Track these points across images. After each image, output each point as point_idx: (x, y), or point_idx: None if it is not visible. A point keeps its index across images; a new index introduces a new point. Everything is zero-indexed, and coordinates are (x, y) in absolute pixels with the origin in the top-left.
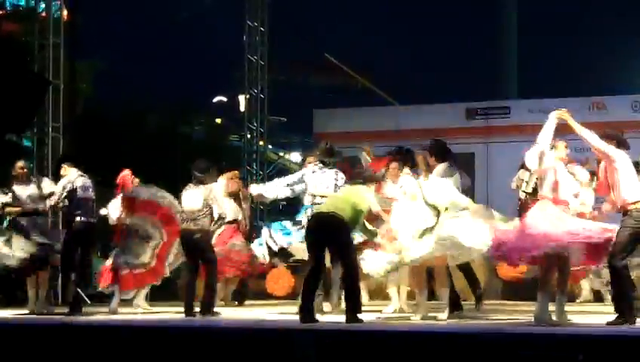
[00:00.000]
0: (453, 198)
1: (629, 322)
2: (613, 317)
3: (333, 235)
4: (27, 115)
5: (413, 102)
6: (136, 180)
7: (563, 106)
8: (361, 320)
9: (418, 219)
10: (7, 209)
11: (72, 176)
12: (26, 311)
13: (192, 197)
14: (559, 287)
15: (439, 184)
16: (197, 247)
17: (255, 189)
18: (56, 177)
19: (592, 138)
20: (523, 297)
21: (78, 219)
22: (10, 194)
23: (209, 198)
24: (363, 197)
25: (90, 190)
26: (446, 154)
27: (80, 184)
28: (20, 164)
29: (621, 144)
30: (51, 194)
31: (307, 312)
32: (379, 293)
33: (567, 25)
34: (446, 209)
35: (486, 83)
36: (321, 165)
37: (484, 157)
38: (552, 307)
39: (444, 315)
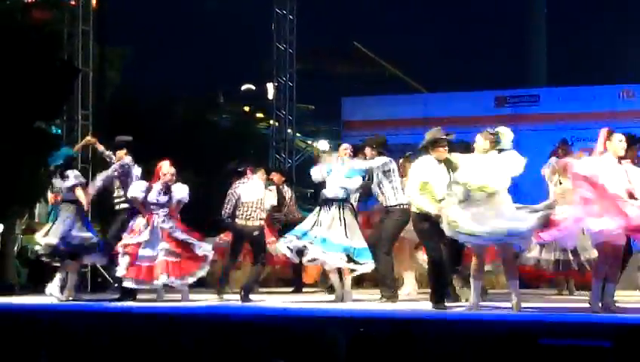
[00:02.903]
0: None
1: None
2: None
3: None
4: (56, 103)
5: (442, 89)
6: (173, 170)
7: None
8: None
9: None
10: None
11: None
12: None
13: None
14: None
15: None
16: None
17: None
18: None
19: None
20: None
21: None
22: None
23: None
24: None
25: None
26: None
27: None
28: None
29: None
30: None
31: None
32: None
33: (596, 12)
34: None
35: (515, 71)
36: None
37: (514, 146)
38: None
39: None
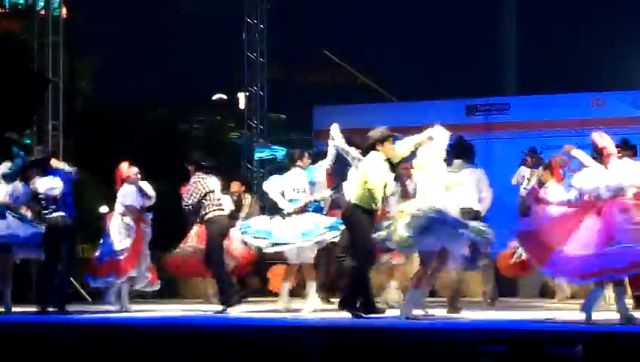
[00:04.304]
0: None
1: None
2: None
3: None
4: (27, 114)
5: (413, 98)
6: (134, 170)
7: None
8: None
9: None
10: None
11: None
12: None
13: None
14: None
15: None
16: None
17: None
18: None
19: None
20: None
21: (52, 215)
22: None
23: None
24: None
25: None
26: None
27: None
28: None
29: None
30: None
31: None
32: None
33: (567, 20)
34: None
35: (486, 79)
36: None
37: (485, 154)
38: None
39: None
